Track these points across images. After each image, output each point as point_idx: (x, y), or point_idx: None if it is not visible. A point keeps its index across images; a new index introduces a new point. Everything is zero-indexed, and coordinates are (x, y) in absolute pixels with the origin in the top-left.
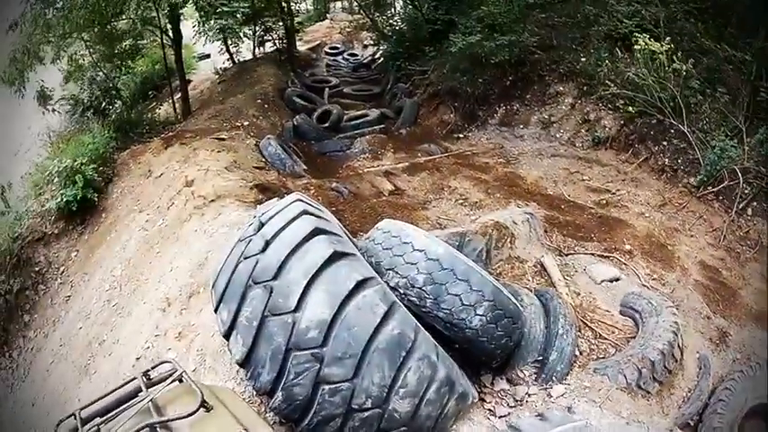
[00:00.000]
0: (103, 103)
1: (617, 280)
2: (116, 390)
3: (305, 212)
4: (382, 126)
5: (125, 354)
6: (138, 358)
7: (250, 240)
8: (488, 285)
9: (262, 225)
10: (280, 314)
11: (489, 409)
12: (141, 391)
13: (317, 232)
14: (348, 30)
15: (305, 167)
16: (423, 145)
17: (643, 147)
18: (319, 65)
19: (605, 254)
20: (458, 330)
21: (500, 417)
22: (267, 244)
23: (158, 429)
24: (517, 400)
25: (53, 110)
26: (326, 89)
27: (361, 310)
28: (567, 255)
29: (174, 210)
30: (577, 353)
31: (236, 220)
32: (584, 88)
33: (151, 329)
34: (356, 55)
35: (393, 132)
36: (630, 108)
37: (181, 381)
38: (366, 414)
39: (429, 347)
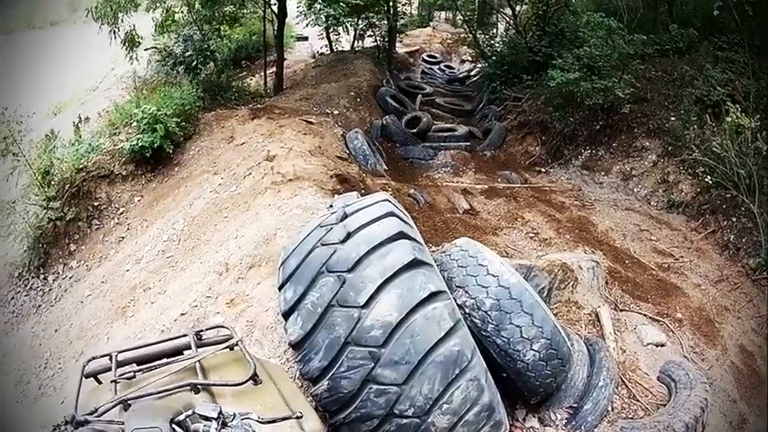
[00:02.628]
0: (196, 62)
1: (662, 345)
2: (161, 342)
3: (392, 214)
4: (468, 144)
5: (169, 306)
6: (182, 314)
7: (331, 229)
8: (549, 323)
9: (345, 216)
10: (347, 306)
11: None
12: (189, 349)
13: (400, 236)
14: (448, 41)
15: (386, 168)
16: (504, 171)
17: (713, 219)
18: (415, 71)
19: (657, 317)
20: (510, 360)
21: None
22: (348, 236)
23: (200, 391)
24: None
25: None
26: (419, 96)
27: (428, 321)
28: (621, 310)
29: (249, 180)
30: (609, 408)
31: (312, 205)
32: (669, 148)
33: (203, 290)
34: (452, 68)
35: (477, 152)
36: (708, 178)
37: (231, 349)
38: (404, 421)
39: (481, 371)
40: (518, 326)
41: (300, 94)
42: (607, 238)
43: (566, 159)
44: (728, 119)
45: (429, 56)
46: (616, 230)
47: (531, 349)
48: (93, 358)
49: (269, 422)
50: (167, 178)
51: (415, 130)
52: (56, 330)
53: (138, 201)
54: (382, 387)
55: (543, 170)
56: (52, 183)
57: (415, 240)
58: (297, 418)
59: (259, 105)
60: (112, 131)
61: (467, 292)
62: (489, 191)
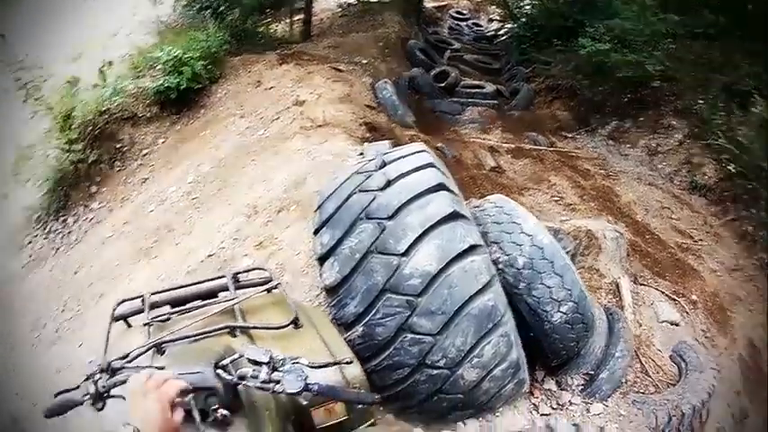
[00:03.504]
0: (222, 7)
1: (676, 325)
2: (196, 284)
3: (431, 165)
4: (495, 102)
5: (195, 247)
6: (209, 255)
7: (370, 175)
8: (577, 287)
9: (384, 164)
10: (386, 254)
11: (534, 404)
12: (225, 291)
13: (440, 187)
14: None
15: (414, 119)
16: (531, 132)
17: (733, 206)
18: (442, 26)
19: (673, 296)
20: (538, 320)
21: (541, 414)
22: (388, 183)
23: (238, 334)
24: (559, 404)
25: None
26: (448, 51)
27: (465, 273)
28: (640, 284)
29: (278, 124)
30: (623, 380)
31: (342, 151)
32: (695, 130)
33: (230, 232)
34: (480, 26)
35: (505, 111)
36: (731, 166)
37: (269, 291)
38: (435, 372)
39: (511, 327)
40: (548, 286)
41: (328, 42)
42: (630, 211)
43: (592, 128)
44: (755, 110)
45: (457, 12)
46: (638, 204)
47: (559, 311)
48: (124, 301)
49: (319, 367)
50: (192, 121)
51: (443, 85)
52: (75, 273)
53: (162, 143)
54: (417, 336)
55: (569, 136)
56: (73, 126)
57: (454, 193)
58: (347, 363)
59: (287, 51)
60: (136, 74)
61: (501, 248)
62: (516, 150)
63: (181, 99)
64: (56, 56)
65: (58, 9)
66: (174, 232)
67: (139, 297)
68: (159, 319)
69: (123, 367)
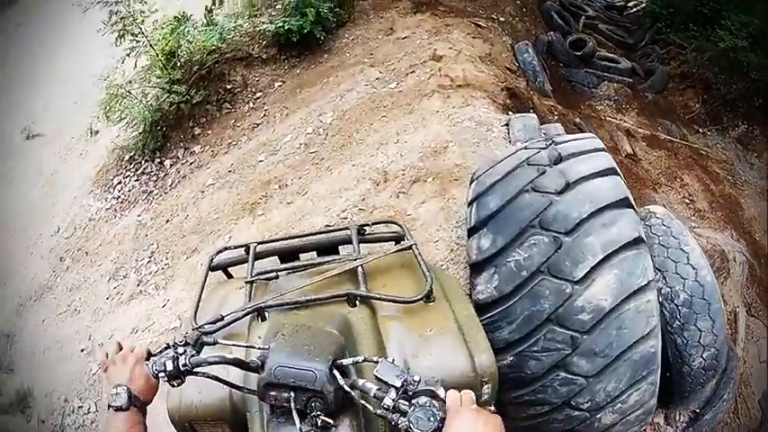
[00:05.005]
0: None
1: None
2: (312, 234)
3: (615, 171)
4: (630, 80)
5: (310, 211)
6: (327, 225)
7: (544, 172)
8: (722, 333)
9: (560, 158)
10: (559, 278)
11: None
12: (348, 244)
13: (626, 203)
14: None
15: (551, 88)
16: (664, 120)
17: None
18: None
19: None
20: (680, 362)
21: None
22: (567, 187)
23: (359, 303)
24: None
25: None
26: (583, 17)
27: (638, 314)
28: (751, 315)
29: (412, 79)
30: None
31: (485, 119)
32: None
33: (354, 199)
34: None
35: (639, 92)
36: None
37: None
38: (575, 413)
39: (659, 373)
40: (700, 329)
41: None
42: (750, 228)
43: (723, 126)
44: None
45: None
46: (758, 222)
47: (701, 356)
48: (225, 248)
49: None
50: (315, 65)
51: (579, 53)
52: (167, 221)
53: (279, 86)
54: (570, 377)
55: (701, 131)
56: (178, 65)
57: (635, 210)
58: (484, 382)
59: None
60: (253, 12)
61: (664, 278)
62: (651, 139)
63: (303, 42)
64: None
65: None
66: (286, 189)
67: (243, 246)
68: (265, 276)
69: (216, 342)
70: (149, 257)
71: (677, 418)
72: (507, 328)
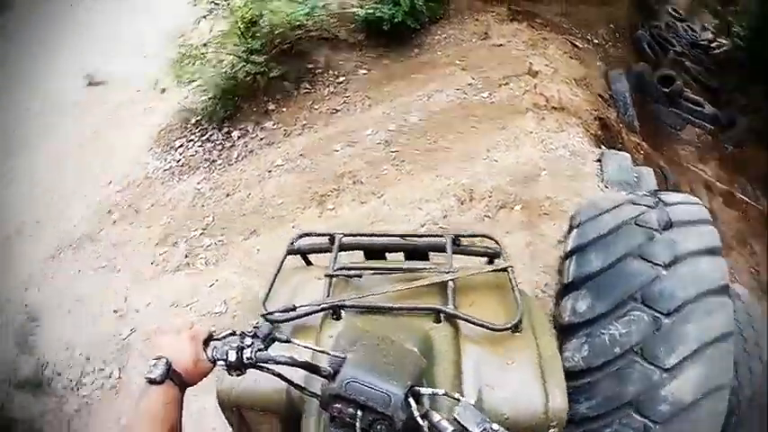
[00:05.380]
0: None
1: None
2: (405, 236)
3: (720, 252)
4: (711, 127)
5: (385, 217)
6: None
7: (653, 237)
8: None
9: (670, 223)
10: (651, 363)
11: None
12: (441, 251)
13: (727, 292)
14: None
15: (638, 123)
16: (740, 177)
17: None
18: (660, 19)
19: None
20: None
21: None
22: (675, 261)
23: (443, 320)
24: None
25: None
26: (672, 51)
27: (710, 416)
28: None
29: (506, 91)
30: None
31: (580, 149)
32: None
33: (435, 213)
34: (695, 31)
35: (719, 141)
36: None
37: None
38: None
39: None
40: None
41: (558, 8)
42: None
43: None
44: None
45: (674, 9)
46: None
47: None
48: (308, 234)
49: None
50: (403, 58)
51: (667, 90)
52: (227, 195)
53: (364, 74)
54: None
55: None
56: (258, 35)
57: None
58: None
59: (517, 8)
60: None
61: (735, 371)
62: (727, 195)
63: (393, 32)
64: None
65: None
66: (360, 186)
67: (328, 235)
68: (348, 273)
69: (289, 340)
70: (203, 230)
71: None
72: (586, 404)
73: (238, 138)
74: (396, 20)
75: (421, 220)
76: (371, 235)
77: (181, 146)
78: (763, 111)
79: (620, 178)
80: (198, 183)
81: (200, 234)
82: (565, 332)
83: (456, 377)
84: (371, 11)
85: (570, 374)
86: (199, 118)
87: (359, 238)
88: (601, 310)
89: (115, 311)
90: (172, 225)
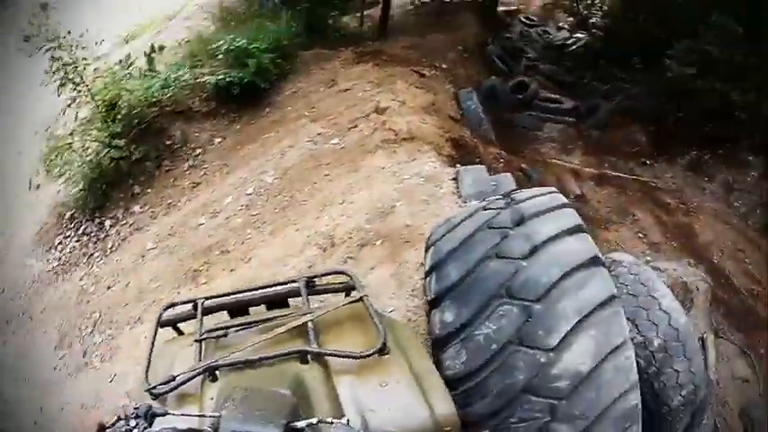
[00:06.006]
0: None
1: (746, 381)
2: (261, 288)
3: (581, 229)
4: (573, 120)
5: (253, 279)
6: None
7: (507, 234)
8: (700, 369)
9: (522, 218)
10: (532, 348)
11: None
12: (296, 297)
13: (596, 261)
14: (547, 4)
15: (494, 134)
16: (611, 156)
17: None
18: (513, 31)
19: (745, 350)
20: (657, 405)
21: None
22: (534, 250)
23: (311, 360)
24: None
25: None
26: (524, 59)
27: (617, 372)
28: (718, 337)
29: (356, 133)
30: None
31: (433, 174)
32: None
33: (300, 266)
34: (549, 33)
35: (582, 130)
36: None
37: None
38: None
39: (640, 424)
40: (677, 370)
41: (406, 41)
42: (707, 252)
43: (671, 156)
44: None
45: (527, 18)
46: (715, 244)
47: (680, 395)
48: (173, 305)
49: None
50: (255, 120)
51: (521, 96)
52: (108, 288)
53: (219, 143)
54: None
55: (648, 162)
56: (118, 117)
57: (605, 266)
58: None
59: (363, 49)
60: (193, 63)
61: (636, 326)
62: (598, 177)
63: (244, 95)
64: (103, 37)
65: None
66: (228, 255)
67: (191, 302)
68: (214, 334)
69: (166, 413)
70: (93, 326)
71: None
72: (480, 403)
73: (110, 227)
74: (245, 81)
75: (287, 275)
76: (230, 293)
77: (59, 243)
78: (623, 92)
79: (477, 190)
80: (80, 279)
81: (91, 331)
82: (440, 344)
83: (336, 410)
84: (222, 76)
85: (456, 381)
86: (72, 211)
87: (220, 299)
88: (468, 316)
89: (35, 423)
90: (64, 326)
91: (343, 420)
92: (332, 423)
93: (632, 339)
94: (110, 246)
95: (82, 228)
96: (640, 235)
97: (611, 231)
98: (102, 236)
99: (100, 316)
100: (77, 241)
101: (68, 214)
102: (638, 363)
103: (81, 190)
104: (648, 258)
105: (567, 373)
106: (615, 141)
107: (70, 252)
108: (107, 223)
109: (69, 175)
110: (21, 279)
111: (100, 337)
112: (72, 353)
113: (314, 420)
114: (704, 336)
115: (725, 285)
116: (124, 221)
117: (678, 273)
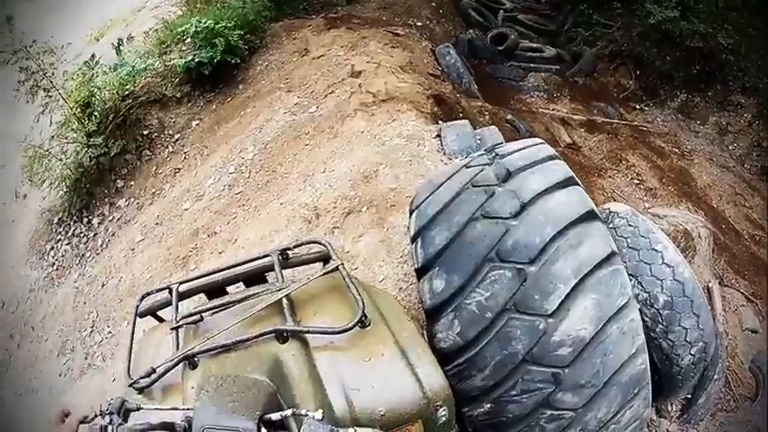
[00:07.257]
0: None
1: (756, 332)
2: (234, 266)
3: (573, 181)
4: (557, 67)
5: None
6: None
7: (493, 193)
8: (709, 325)
9: (508, 174)
10: (530, 314)
11: None
12: (272, 271)
13: (592, 216)
14: None
15: (477, 87)
16: (599, 103)
17: None
18: None
19: (752, 297)
20: (668, 364)
21: None
22: (522, 208)
23: (289, 339)
24: None
25: None
26: (501, 11)
27: (623, 336)
28: (724, 285)
29: (333, 99)
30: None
31: (415, 133)
32: (764, 111)
33: (287, 241)
34: None
35: (568, 78)
36: None
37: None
38: None
39: (650, 387)
40: (685, 328)
41: (377, 2)
42: (706, 197)
43: (661, 99)
44: None
45: None
46: (713, 189)
47: (690, 353)
48: (148, 294)
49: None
50: (230, 98)
51: (501, 48)
52: (102, 285)
53: (197, 125)
54: (557, 413)
55: (638, 107)
56: (93, 115)
57: (602, 220)
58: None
59: (333, 14)
60: (162, 50)
61: (640, 283)
62: (588, 124)
63: (216, 74)
64: (71, 39)
65: None
66: (215, 237)
67: (166, 288)
68: (189, 320)
69: (139, 407)
70: (91, 327)
71: (669, 409)
72: (479, 376)
73: (98, 224)
74: (215, 61)
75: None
76: (204, 275)
77: (51, 248)
78: (606, 38)
79: (461, 146)
80: (75, 282)
81: (91, 332)
82: (432, 315)
83: (318, 391)
84: (190, 58)
85: (451, 353)
86: (60, 215)
87: (194, 281)
88: (459, 283)
89: None
90: (65, 331)
91: (318, 414)
92: (306, 416)
93: (636, 297)
94: (100, 243)
95: (71, 230)
96: (636, 181)
97: (606, 179)
98: (92, 234)
99: (97, 315)
100: (68, 244)
101: (56, 218)
102: (643, 322)
103: (66, 192)
104: (647, 205)
105: (569, 339)
106: (602, 87)
107: (63, 255)
108: (95, 221)
109: (52, 180)
110: (19, 290)
111: (100, 337)
112: (74, 357)
113: (288, 413)
114: (710, 285)
115: (727, 231)
116: (111, 217)
117: (678, 219)
